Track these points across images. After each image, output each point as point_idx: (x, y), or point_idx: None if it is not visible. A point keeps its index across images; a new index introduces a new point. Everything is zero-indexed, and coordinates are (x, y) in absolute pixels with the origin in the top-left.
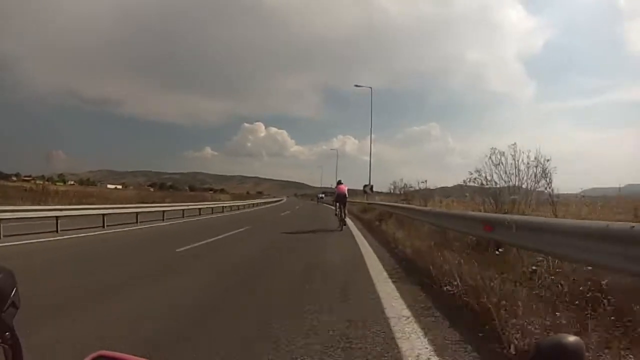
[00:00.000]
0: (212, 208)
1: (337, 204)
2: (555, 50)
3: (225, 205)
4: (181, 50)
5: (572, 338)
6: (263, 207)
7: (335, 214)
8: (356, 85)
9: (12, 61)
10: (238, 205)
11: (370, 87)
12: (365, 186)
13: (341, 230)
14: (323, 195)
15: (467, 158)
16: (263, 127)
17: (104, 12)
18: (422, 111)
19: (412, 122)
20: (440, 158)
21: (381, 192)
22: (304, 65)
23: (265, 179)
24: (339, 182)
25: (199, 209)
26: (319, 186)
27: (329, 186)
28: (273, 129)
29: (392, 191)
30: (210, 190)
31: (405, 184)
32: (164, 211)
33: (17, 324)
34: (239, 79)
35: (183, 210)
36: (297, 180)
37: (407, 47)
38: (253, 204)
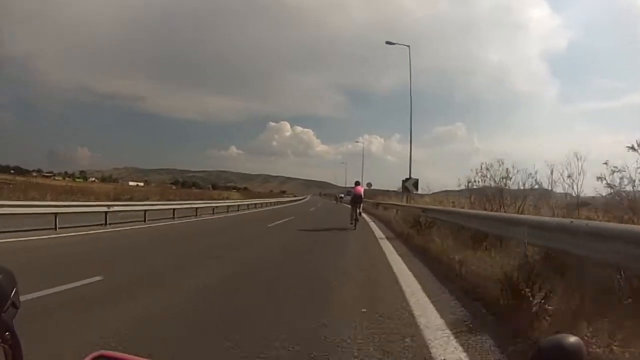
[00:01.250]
0: (213, 208)
1: (353, 204)
2: (580, 50)
3: (231, 204)
4: (202, 50)
5: (572, 338)
6: (277, 206)
7: (351, 215)
8: (388, 43)
9: (31, 60)
10: (247, 205)
11: (408, 46)
12: (406, 180)
13: (354, 228)
14: (343, 195)
15: (492, 159)
16: (289, 126)
17: (129, 11)
18: (448, 111)
19: (437, 121)
20: (466, 158)
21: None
22: (328, 64)
23: (290, 178)
24: (357, 183)
25: (196, 208)
26: (343, 185)
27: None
28: (299, 128)
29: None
30: (234, 188)
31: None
32: (145, 210)
33: (16, 324)
34: (264, 78)
35: (174, 209)
36: (321, 180)
37: (430, 47)
38: (267, 202)
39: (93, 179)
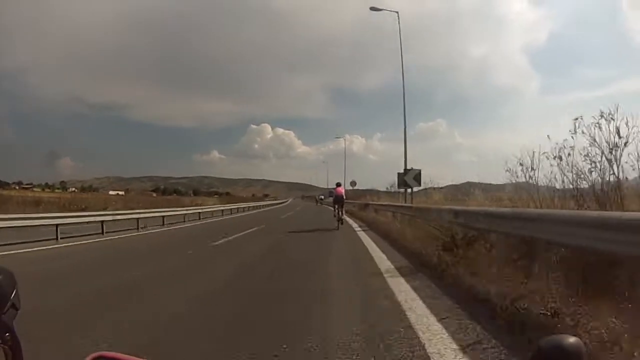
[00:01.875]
0: (184, 215)
1: (336, 206)
2: (560, 42)
3: (202, 211)
4: (185, 52)
5: (572, 339)
6: (251, 212)
7: (334, 215)
8: (372, 8)
9: (14, 71)
10: (222, 210)
11: (397, 12)
12: (404, 173)
13: (338, 229)
14: (323, 197)
15: (474, 155)
16: (269, 128)
17: (105, 17)
18: (429, 107)
19: (418, 118)
20: (448, 155)
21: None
22: (309, 65)
23: (272, 181)
24: (338, 184)
25: (163, 217)
26: (325, 187)
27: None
28: (280, 130)
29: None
30: (216, 194)
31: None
32: (102, 221)
33: (17, 325)
34: (245, 80)
35: (137, 219)
36: (303, 182)
37: (412, 44)
38: (243, 207)
39: (73, 189)
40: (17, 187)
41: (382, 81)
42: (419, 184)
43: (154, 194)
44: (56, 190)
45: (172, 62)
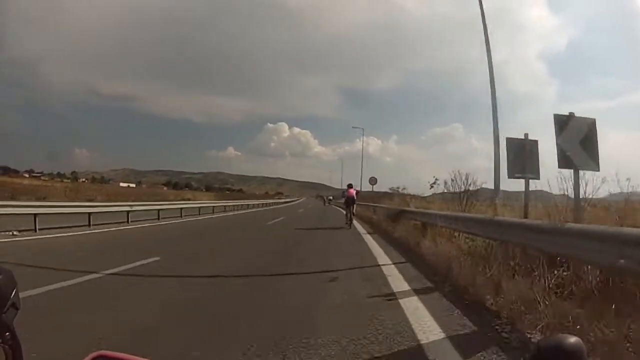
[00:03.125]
0: (158, 211)
1: (347, 206)
2: (579, 49)
3: (185, 206)
4: (203, 50)
5: (572, 339)
6: (252, 210)
7: (346, 215)
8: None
9: (35, 62)
10: (214, 207)
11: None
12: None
13: (349, 228)
14: (332, 197)
15: (492, 160)
16: (286, 127)
17: (122, 12)
18: (445, 111)
19: (435, 122)
20: (464, 159)
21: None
22: (326, 65)
23: (287, 180)
24: (349, 186)
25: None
26: (339, 187)
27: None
28: (296, 129)
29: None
30: (228, 190)
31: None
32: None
33: (17, 324)
34: (262, 79)
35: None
36: (318, 181)
37: (428, 47)
38: (242, 205)
39: (83, 179)
40: (27, 175)
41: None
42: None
43: (165, 187)
44: (64, 181)
45: (187, 59)
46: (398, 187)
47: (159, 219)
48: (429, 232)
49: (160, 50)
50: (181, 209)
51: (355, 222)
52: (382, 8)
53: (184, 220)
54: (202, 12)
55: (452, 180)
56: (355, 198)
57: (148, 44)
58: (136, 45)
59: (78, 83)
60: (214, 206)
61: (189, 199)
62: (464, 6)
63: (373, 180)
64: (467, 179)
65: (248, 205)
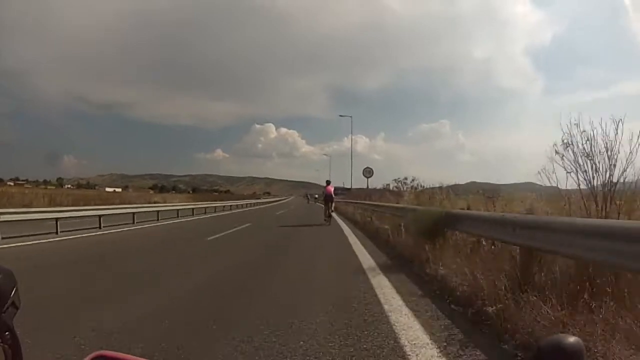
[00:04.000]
0: (99, 216)
1: (325, 202)
2: (563, 43)
3: (138, 211)
4: (188, 53)
5: (572, 339)
6: (227, 212)
7: (325, 212)
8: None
9: (23, 72)
10: (178, 210)
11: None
12: None
13: (329, 224)
14: (317, 196)
15: (476, 155)
16: (273, 128)
17: (109, 18)
18: (433, 108)
19: (422, 119)
20: (451, 155)
21: None
22: (313, 66)
23: (276, 180)
24: (328, 183)
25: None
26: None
27: (340, 185)
28: (283, 130)
29: None
30: (215, 192)
31: None
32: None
33: (16, 324)
34: (249, 81)
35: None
36: (307, 180)
37: (415, 46)
38: (215, 206)
39: (68, 185)
40: (12, 184)
41: (384, 82)
42: None
43: (151, 191)
44: (49, 187)
45: (175, 63)
46: (404, 179)
47: (100, 227)
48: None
49: (143, 54)
50: (134, 214)
51: (357, 249)
52: (370, 9)
53: (122, 230)
54: (189, 15)
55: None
56: (333, 195)
57: (136, 49)
58: (124, 50)
59: (66, 91)
60: (178, 209)
61: (155, 202)
62: (451, 3)
63: (368, 172)
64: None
65: (224, 206)
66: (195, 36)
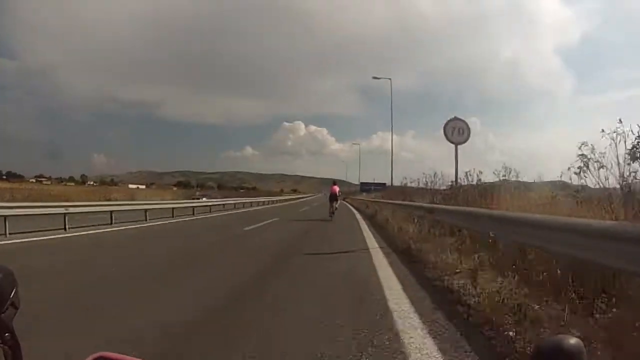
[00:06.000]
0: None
1: (330, 201)
2: (593, 42)
3: (117, 209)
4: (219, 51)
5: (572, 339)
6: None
7: (329, 209)
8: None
9: (53, 71)
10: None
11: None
12: None
13: (331, 220)
14: (341, 192)
15: (505, 155)
16: (303, 125)
17: (140, 16)
18: (462, 108)
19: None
20: (481, 154)
21: None
22: (342, 65)
23: (305, 177)
24: (334, 183)
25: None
26: (356, 182)
27: (371, 181)
28: (313, 127)
29: None
30: (241, 189)
31: None
32: None
33: (16, 324)
34: (278, 79)
35: None
36: (336, 177)
37: (443, 45)
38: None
39: (91, 182)
40: (34, 180)
41: (413, 81)
42: None
43: (174, 188)
44: (68, 184)
45: (205, 62)
46: (480, 173)
47: (65, 228)
48: None
49: (184, 55)
50: (111, 212)
51: None
52: (398, 9)
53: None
54: (219, 14)
55: None
56: (337, 194)
57: (168, 49)
58: (153, 49)
59: (96, 90)
60: (173, 208)
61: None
62: (476, 2)
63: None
64: None
65: (244, 203)
66: (225, 35)
